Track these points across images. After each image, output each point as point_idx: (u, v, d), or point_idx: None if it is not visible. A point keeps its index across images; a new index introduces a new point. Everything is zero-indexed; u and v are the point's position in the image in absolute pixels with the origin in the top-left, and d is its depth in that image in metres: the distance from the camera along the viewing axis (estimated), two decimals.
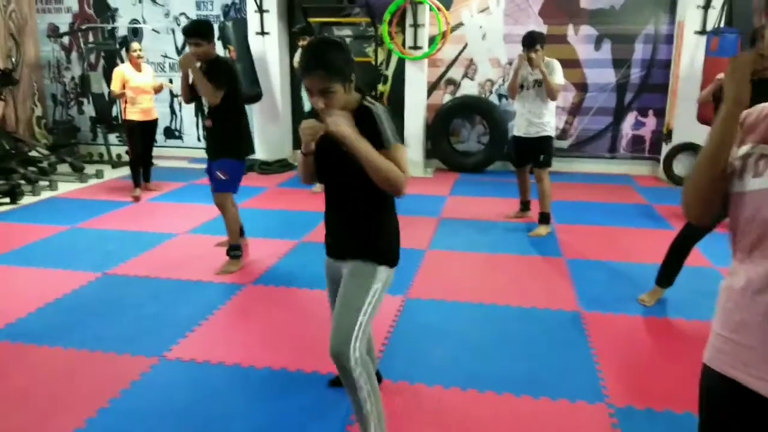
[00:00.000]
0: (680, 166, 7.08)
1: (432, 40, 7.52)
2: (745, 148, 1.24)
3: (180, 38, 8.39)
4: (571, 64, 7.28)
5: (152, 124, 6.52)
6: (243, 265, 4.35)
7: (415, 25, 7.40)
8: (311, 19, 7.49)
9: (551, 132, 5.09)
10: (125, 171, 7.43)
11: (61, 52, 9.08)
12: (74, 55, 9.04)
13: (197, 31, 3.97)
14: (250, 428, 2.50)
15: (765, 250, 1.18)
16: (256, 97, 7.50)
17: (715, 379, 1.29)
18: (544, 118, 5.01)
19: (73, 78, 9.14)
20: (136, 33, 8.63)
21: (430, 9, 7.34)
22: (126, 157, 7.30)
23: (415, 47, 7.49)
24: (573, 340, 3.27)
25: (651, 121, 7.63)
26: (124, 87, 6.23)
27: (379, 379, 2.65)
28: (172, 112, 8.85)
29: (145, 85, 6.34)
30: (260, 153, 7.67)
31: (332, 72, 1.96)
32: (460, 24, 7.79)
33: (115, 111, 8.60)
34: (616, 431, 2.47)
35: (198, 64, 3.99)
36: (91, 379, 2.86)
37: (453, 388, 2.78)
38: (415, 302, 3.76)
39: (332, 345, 2.07)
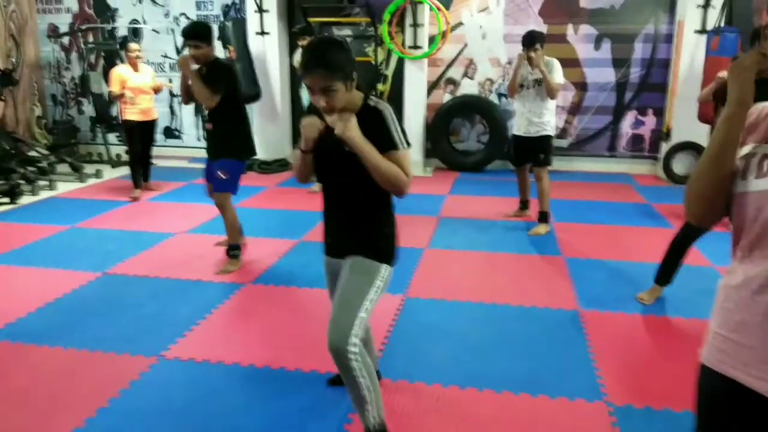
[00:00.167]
0: (679, 165, 7.09)
1: (432, 40, 7.53)
2: (747, 148, 1.24)
3: (180, 38, 8.39)
4: (570, 63, 7.28)
5: (151, 124, 6.52)
6: (242, 265, 4.35)
7: (415, 25, 7.41)
8: (311, 19, 7.49)
9: (551, 131, 5.09)
10: (125, 171, 7.43)
11: (61, 52, 9.08)
12: (74, 55, 9.04)
13: (196, 33, 3.97)
14: (249, 427, 2.50)
15: (765, 250, 1.18)
16: (255, 96, 7.50)
17: (713, 379, 1.29)
18: (544, 118, 5.02)
19: (73, 78, 9.14)
20: (136, 33, 8.63)
21: (430, 9, 7.35)
22: (126, 157, 7.30)
23: (415, 47, 7.49)
24: (572, 339, 3.27)
25: (650, 121, 7.64)
26: (123, 88, 6.23)
27: (379, 378, 2.65)
28: (172, 112, 8.85)
29: (144, 85, 6.33)
30: (260, 152, 7.63)
31: (333, 70, 1.96)
32: (460, 23, 7.79)
33: (114, 111, 8.60)
34: (615, 430, 2.47)
35: (196, 67, 3.99)
36: (91, 379, 2.86)
37: (452, 386, 2.78)
38: (415, 301, 3.76)
39: (331, 340, 2.07)
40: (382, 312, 3.31)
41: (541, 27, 7.36)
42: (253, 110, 7.78)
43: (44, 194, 6.57)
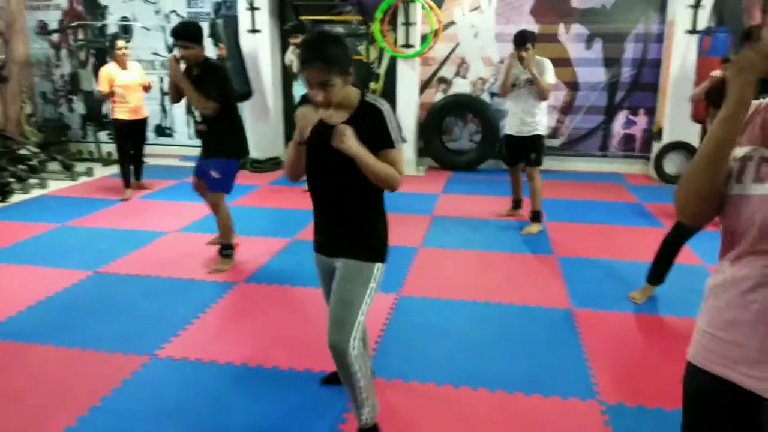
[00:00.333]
0: (671, 165, 7.12)
1: (424, 39, 7.53)
2: (743, 150, 1.23)
3: (171, 36, 8.35)
4: (562, 62, 7.29)
5: (141, 122, 6.45)
6: (235, 264, 4.34)
7: (407, 24, 7.40)
8: (303, 17, 7.48)
9: (543, 131, 5.11)
10: (116, 169, 7.37)
11: (51, 49, 9.01)
12: (64, 52, 8.98)
13: (186, 33, 3.93)
14: (243, 426, 2.49)
15: (757, 251, 1.19)
16: (247, 95, 7.47)
17: (700, 377, 1.30)
18: (536, 117, 5.03)
19: (62, 75, 9.07)
20: (126, 30, 8.57)
21: (422, 7, 7.35)
22: (116, 155, 7.25)
23: (407, 45, 7.49)
24: (565, 338, 3.29)
25: (642, 120, 7.68)
26: (111, 86, 6.18)
27: (373, 376, 2.66)
28: (163, 109, 8.81)
29: (132, 83, 6.26)
30: (252, 151, 7.63)
31: (331, 64, 1.97)
32: (452, 22, 7.80)
33: (105, 109, 8.54)
34: (607, 429, 2.49)
35: (184, 67, 3.96)
36: (83, 378, 2.84)
37: (446, 385, 2.79)
38: (408, 300, 3.76)
39: (333, 339, 2.10)
40: (375, 311, 3.31)
41: (533, 26, 7.37)
42: (245, 108, 7.74)
43: (35, 192, 6.52)
